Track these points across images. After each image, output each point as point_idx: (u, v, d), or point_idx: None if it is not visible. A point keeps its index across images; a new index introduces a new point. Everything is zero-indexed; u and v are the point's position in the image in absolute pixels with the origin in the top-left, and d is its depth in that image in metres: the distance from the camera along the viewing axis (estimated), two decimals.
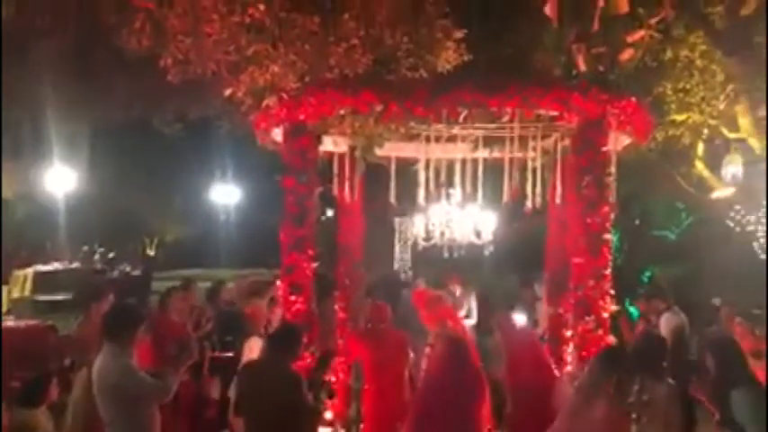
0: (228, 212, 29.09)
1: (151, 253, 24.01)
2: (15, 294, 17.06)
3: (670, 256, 14.83)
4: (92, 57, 6.97)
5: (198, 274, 20.91)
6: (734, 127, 9.63)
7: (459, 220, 6.50)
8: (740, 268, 10.36)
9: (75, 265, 19.61)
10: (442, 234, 6.60)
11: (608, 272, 5.44)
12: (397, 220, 19.98)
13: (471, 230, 6.48)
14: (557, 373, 5.72)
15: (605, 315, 5.39)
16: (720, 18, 8.49)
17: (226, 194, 28.59)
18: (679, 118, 9.16)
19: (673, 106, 9.02)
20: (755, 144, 9.48)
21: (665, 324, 6.82)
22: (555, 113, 5.64)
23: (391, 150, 7.01)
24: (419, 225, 6.71)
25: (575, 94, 5.20)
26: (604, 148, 5.43)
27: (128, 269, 20.40)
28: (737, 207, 9.81)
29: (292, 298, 5.59)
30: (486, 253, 6.77)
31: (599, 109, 5.31)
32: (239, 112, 6.38)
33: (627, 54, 5.52)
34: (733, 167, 9.78)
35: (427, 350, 5.69)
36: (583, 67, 5.23)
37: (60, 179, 21.59)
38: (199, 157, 23.27)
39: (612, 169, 5.51)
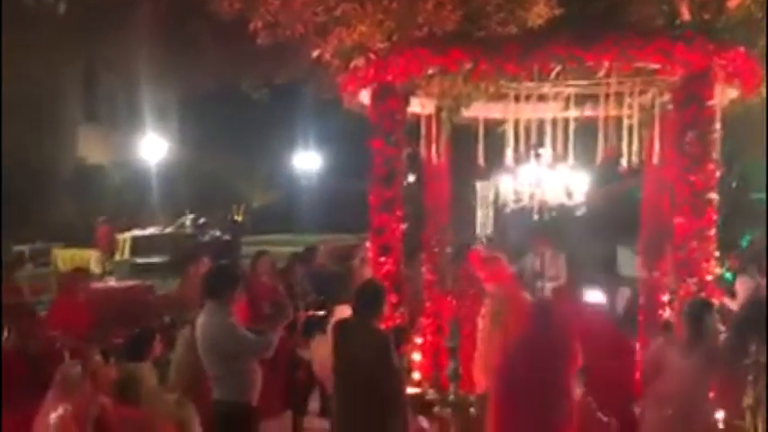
0: (311, 179, 29.53)
1: (239, 218, 24.69)
2: (116, 257, 18.01)
3: None
4: (183, 25, 7.12)
5: (284, 239, 21.42)
6: None
7: (550, 180, 6.30)
8: None
9: (169, 230, 20.46)
10: (532, 196, 6.42)
11: (712, 232, 5.18)
12: (478, 183, 19.70)
13: (562, 191, 6.27)
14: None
15: (709, 277, 5.15)
16: None
17: (308, 161, 29.00)
18: None
19: None
20: None
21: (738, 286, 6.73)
22: (654, 67, 5.36)
23: (478, 111, 6.87)
24: (508, 187, 6.55)
25: (678, 45, 4.89)
26: (710, 103, 5.12)
27: (218, 234, 21.10)
28: None
29: (382, 259, 5.61)
30: (579, 214, 6.53)
31: (705, 60, 4.98)
32: (326, 75, 6.40)
33: (735, 0, 5.15)
34: None
35: (482, 310, 5.62)
36: (687, 16, 4.91)
37: (153, 147, 22.47)
38: (283, 124, 23.68)
39: (718, 125, 5.21)
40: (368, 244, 5.84)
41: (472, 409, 2.97)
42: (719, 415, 2.63)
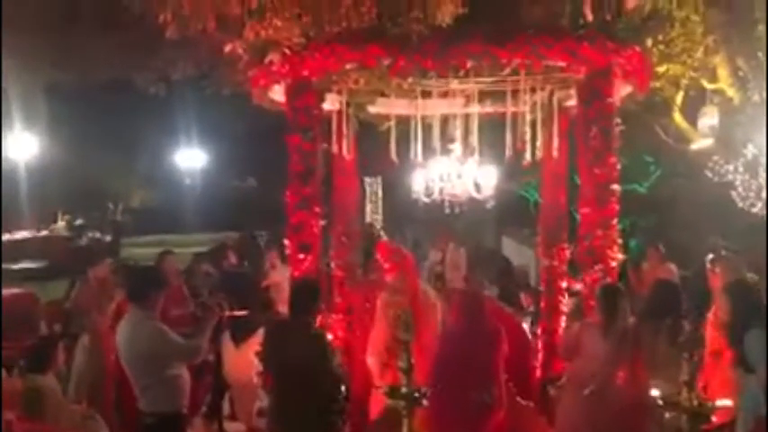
0: (195, 177, 28.63)
1: (118, 218, 23.53)
2: None
3: (641, 208, 15.12)
4: (75, 12, 6.69)
5: (172, 239, 20.65)
6: (712, 78, 9.78)
7: (459, 175, 6.48)
8: (717, 216, 10.65)
9: (44, 233, 19.21)
10: (441, 190, 6.57)
11: (615, 221, 5.51)
12: (366, 180, 19.96)
13: (471, 185, 6.46)
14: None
15: (613, 264, 5.48)
16: None
17: (191, 158, 28.07)
18: (660, 70, 9.23)
19: (654, 58, 9.08)
20: (733, 94, 9.65)
21: None
22: (553, 64, 5.62)
23: (383, 107, 6.95)
24: (418, 181, 6.66)
25: (583, 44, 5.18)
26: (610, 99, 5.45)
27: (97, 236, 20.02)
28: (715, 158, 9.99)
29: (300, 256, 5.56)
30: (488, 207, 6.76)
31: (606, 59, 5.30)
32: (233, 70, 6.25)
33: (631, 2, 5.53)
34: (709, 119, 9.96)
35: (379, 302, 5.76)
36: (590, 16, 5.21)
37: (21, 144, 20.86)
38: (171, 120, 22.77)
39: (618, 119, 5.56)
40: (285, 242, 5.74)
41: (425, 402, 3.02)
42: (655, 392, 2.85)
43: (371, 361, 5.53)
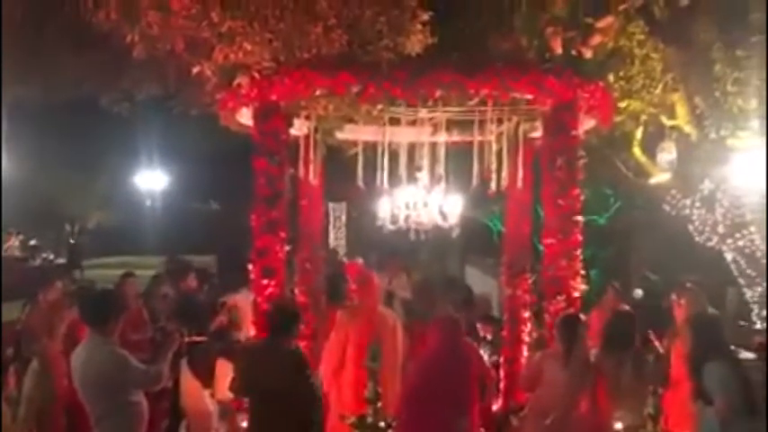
0: (154, 199, 28.15)
1: (74, 240, 22.94)
2: None
3: (601, 239, 15.36)
4: (41, 28, 6.58)
5: (128, 261, 20.20)
6: (671, 114, 10.06)
7: (426, 203, 6.50)
8: (675, 249, 10.88)
9: None
10: (407, 218, 6.57)
11: (579, 252, 5.58)
12: (330, 205, 19.92)
13: (437, 214, 6.48)
14: None
15: (576, 294, 5.53)
16: (660, 9, 8.83)
17: (152, 180, 27.62)
18: (621, 105, 9.45)
19: (616, 94, 9.30)
20: (691, 131, 9.93)
21: None
22: (520, 96, 5.71)
23: (351, 133, 6.96)
24: (384, 208, 6.66)
25: (549, 77, 5.29)
26: (575, 132, 5.55)
27: (51, 257, 19.50)
28: (673, 192, 10.23)
29: (264, 281, 5.49)
30: (454, 235, 6.80)
31: (571, 93, 5.42)
32: (201, 92, 6.19)
33: (596, 39, 5.66)
34: (667, 154, 10.22)
35: (336, 319, 5.73)
36: (558, 50, 5.31)
37: None
38: (125, 141, 22.38)
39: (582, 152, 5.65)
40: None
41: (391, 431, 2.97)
42: (619, 425, 2.85)
43: (321, 373, 5.48)
